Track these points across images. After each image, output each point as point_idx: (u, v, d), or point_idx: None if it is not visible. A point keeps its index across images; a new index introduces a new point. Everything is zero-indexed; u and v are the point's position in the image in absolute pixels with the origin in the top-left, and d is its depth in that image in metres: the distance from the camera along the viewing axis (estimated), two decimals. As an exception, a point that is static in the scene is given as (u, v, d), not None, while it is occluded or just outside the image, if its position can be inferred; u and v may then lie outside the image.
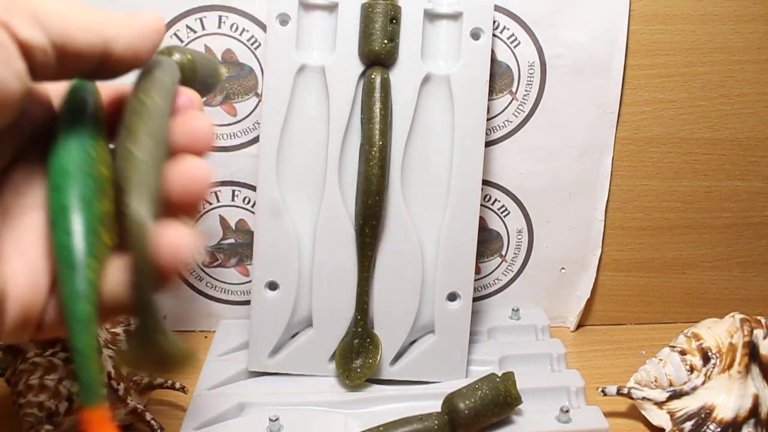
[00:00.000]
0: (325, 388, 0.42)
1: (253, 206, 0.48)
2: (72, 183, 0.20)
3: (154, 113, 0.22)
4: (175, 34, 0.45)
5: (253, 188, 0.47)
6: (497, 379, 0.38)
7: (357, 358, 0.42)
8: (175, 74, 0.25)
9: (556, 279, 0.52)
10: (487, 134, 0.47)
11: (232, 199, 0.48)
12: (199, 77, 0.27)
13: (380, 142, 0.41)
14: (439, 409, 0.38)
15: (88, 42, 0.20)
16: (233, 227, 0.49)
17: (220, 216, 0.49)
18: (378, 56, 0.41)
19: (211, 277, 0.50)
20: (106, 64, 0.21)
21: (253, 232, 0.44)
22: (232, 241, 0.49)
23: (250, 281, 0.50)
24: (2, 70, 0.18)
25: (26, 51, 0.19)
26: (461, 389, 0.38)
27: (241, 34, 0.45)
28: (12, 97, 0.18)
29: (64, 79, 0.22)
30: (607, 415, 0.40)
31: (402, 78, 0.42)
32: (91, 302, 0.20)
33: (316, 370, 0.43)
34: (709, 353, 0.40)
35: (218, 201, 0.48)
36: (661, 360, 0.42)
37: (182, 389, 0.40)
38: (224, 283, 0.50)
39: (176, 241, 0.20)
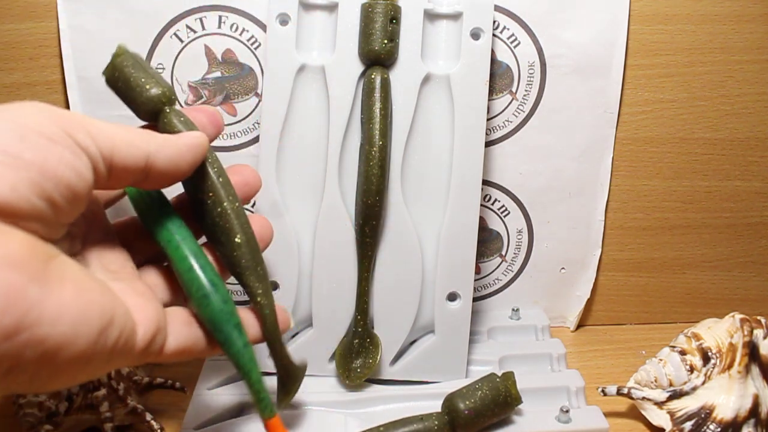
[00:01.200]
0: (325, 388, 0.42)
1: (253, 206, 0.48)
2: (184, 243, 0.29)
3: (240, 212, 0.30)
4: (175, 34, 0.45)
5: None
6: (497, 379, 0.38)
7: (357, 358, 0.42)
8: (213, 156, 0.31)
9: (556, 279, 0.52)
10: (487, 134, 0.47)
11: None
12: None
13: (380, 142, 0.41)
14: (439, 409, 0.38)
15: (132, 156, 0.25)
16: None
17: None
18: (378, 56, 0.41)
19: None
20: (151, 176, 0.26)
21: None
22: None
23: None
24: (75, 176, 0.22)
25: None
26: (461, 389, 0.38)
27: (241, 34, 0.45)
28: (82, 197, 0.23)
29: (116, 188, 0.27)
30: (607, 415, 0.40)
31: (402, 78, 0.42)
32: (239, 328, 0.29)
33: (316, 370, 0.43)
34: (709, 353, 0.40)
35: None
36: (661, 360, 0.42)
37: (182, 389, 0.40)
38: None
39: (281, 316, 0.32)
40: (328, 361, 0.43)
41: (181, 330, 0.28)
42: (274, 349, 0.32)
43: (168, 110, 0.29)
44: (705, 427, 0.38)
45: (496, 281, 0.52)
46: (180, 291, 0.30)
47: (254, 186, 0.33)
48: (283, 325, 0.32)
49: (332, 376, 0.43)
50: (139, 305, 0.25)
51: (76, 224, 0.26)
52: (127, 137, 0.25)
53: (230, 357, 0.29)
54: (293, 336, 0.44)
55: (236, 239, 0.30)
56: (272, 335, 0.31)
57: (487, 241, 0.51)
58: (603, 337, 0.52)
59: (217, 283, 0.28)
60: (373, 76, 0.41)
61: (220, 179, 0.30)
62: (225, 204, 0.30)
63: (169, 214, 0.29)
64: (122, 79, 0.29)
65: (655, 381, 0.41)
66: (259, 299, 0.31)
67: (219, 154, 0.46)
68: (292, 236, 0.43)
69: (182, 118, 0.29)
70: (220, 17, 0.45)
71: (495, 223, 0.50)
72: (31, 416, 0.35)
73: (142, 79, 0.29)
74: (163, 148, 0.26)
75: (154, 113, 0.29)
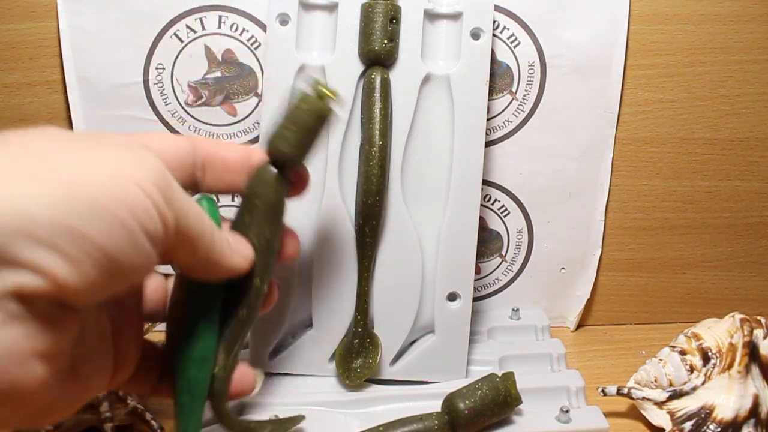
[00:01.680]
0: (325, 388, 0.42)
1: (241, 35, 0.47)
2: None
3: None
4: (175, 34, 0.45)
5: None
6: (497, 379, 0.38)
7: (357, 358, 0.42)
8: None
9: (556, 279, 0.52)
10: (487, 134, 0.47)
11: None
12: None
13: (380, 142, 0.41)
14: (439, 409, 0.38)
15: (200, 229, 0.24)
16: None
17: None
18: (378, 56, 0.41)
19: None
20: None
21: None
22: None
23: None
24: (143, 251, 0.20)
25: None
26: (461, 389, 0.38)
27: (241, 34, 0.45)
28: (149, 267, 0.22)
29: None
30: (607, 415, 0.40)
31: (402, 78, 0.42)
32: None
33: (316, 370, 0.43)
34: (709, 353, 0.40)
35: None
36: (661, 360, 0.42)
37: (182, 389, 0.40)
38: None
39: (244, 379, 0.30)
40: (328, 361, 0.43)
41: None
42: (218, 413, 0.31)
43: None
44: (705, 427, 0.38)
45: (496, 281, 0.52)
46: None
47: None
48: (245, 388, 0.30)
49: (332, 376, 0.43)
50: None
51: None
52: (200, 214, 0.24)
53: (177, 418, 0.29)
54: (293, 336, 0.44)
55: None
56: (217, 400, 0.30)
57: (487, 241, 0.51)
58: (603, 337, 0.52)
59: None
60: (373, 76, 0.41)
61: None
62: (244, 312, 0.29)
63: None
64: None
65: (655, 381, 0.41)
66: (217, 370, 0.29)
67: (219, 154, 0.47)
68: (292, 236, 0.43)
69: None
70: (220, 17, 0.45)
71: (495, 223, 0.50)
72: (31, 416, 0.35)
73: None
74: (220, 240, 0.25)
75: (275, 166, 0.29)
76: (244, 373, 0.30)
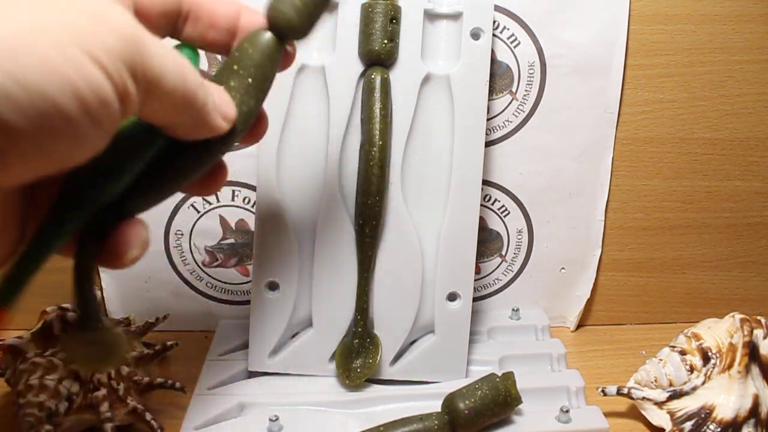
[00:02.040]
0: (325, 388, 0.42)
1: (253, 206, 0.48)
2: None
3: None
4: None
5: (253, 188, 0.48)
6: (497, 379, 0.38)
7: (357, 358, 0.42)
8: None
9: (556, 279, 0.52)
10: (487, 134, 0.47)
11: (232, 199, 0.48)
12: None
13: (380, 142, 0.41)
14: (439, 409, 0.38)
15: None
16: (233, 227, 0.49)
17: (220, 216, 0.49)
18: (378, 56, 0.41)
19: (211, 277, 0.50)
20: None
21: (253, 232, 0.44)
22: (232, 241, 0.49)
23: (250, 281, 0.50)
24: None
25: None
26: (461, 389, 0.38)
27: (241, 34, 0.45)
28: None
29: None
30: (607, 415, 0.40)
31: (402, 78, 0.42)
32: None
33: (316, 370, 0.43)
34: (709, 353, 0.40)
35: (218, 201, 0.48)
36: (661, 360, 0.42)
37: (182, 389, 0.40)
38: (224, 283, 0.50)
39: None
40: (328, 361, 0.43)
41: None
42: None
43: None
44: (705, 427, 0.38)
45: (496, 281, 0.52)
46: None
47: None
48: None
49: (332, 376, 0.43)
50: None
51: None
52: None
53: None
54: (293, 336, 0.44)
55: None
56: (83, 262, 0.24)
57: (487, 241, 0.51)
58: (603, 337, 0.52)
59: None
60: (373, 76, 0.41)
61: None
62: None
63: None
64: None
65: (655, 381, 0.41)
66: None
67: (219, 154, 0.47)
68: (292, 236, 0.43)
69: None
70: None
71: (495, 223, 0.50)
72: (31, 416, 0.35)
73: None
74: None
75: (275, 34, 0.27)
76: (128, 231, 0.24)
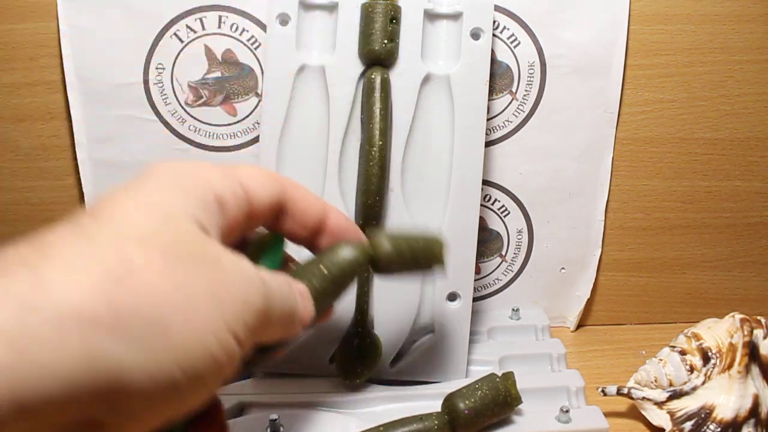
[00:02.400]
0: (325, 388, 0.42)
1: None
2: None
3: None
4: (175, 34, 0.45)
5: None
6: (497, 379, 0.38)
7: (357, 358, 0.42)
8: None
9: (556, 279, 0.52)
10: (487, 134, 0.47)
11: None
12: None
13: (380, 142, 0.41)
14: (439, 409, 0.38)
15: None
16: None
17: None
18: (378, 56, 0.41)
19: None
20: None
21: None
22: None
23: None
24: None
25: None
26: (461, 389, 0.38)
27: (241, 34, 0.45)
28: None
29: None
30: (607, 415, 0.40)
31: (402, 78, 0.42)
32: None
33: (316, 371, 0.43)
34: (709, 353, 0.40)
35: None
36: (661, 360, 0.42)
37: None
38: None
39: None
40: (328, 361, 0.43)
41: None
42: None
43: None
44: (705, 427, 0.38)
45: (496, 281, 0.52)
46: None
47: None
48: None
49: (332, 376, 0.43)
50: None
51: None
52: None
53: None
54: (293, 336, 0.44)
55: None
56: None
57: (487, 241, 0.51)
58: (603, 337, 0.52)
59: None
60: (373, 76, 0.41)
61: None
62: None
63: None
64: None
65: (655, 381, 0.41)
66: None
67: (219, 155, 0.47)
68: (292, 236, 0.43)
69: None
70: (220, 17, 0.45)
71: (495, 223, 0.50)
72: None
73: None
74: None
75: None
76: None
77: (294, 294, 0.25)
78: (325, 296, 0.28)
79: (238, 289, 0.21)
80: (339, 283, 0.29)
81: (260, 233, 0.29)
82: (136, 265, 0.18)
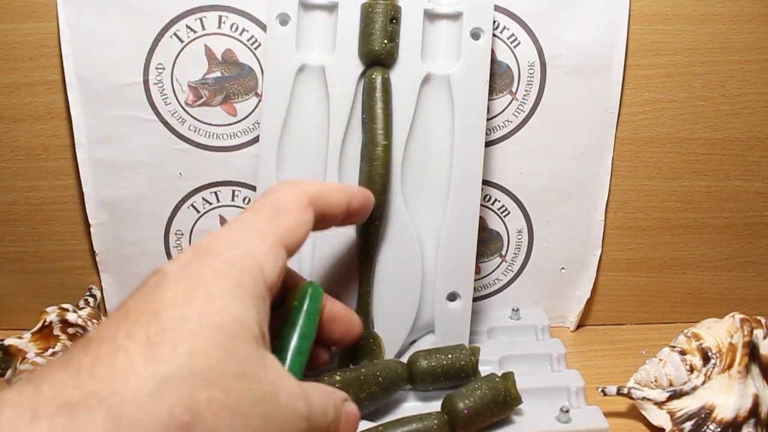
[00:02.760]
0: (325, 388, 0.42)
1: None
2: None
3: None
4: (175, 34, 0.45)
5: (253, 188, 0.48)
6: (497, 379, 0.38)
7: (357, 358, 0.42)
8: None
9: (556, 279, 0.52)
10: (487, 134, 0.47)
11: (232, 199, 0.48)
12: None
13: (384, 142, 0.41)
14: (439, 409, 0.38)
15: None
16: None
17: (220, 216, 0.49)
18: (378, 56, 0.41)
19: None
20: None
21: None
22: None
23: None
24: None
25: None
26: (461, 389, 0.38)
27: (241, 34, 0.45)
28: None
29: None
30: (607, 415, 0.40)
31: (402, 78, 0.42)
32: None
33: (317, 370, 0.43)
34: (709, 353, 0.40)
35: (218, 201, 0.48)
36: (661, 360, 0.42)
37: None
38: None
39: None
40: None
41: None
42: None
43: None
44: (705, 427, 0.38)
45: (496, 281, 0.52)
46: None
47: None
48: None
49: (332, 376, 0.43)
50: None
51: None
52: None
53: None
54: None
55: None
56: None
57: (487, 241, 0.51)
58: (603, 337, 0.52)
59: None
60: (373, 76, 0.41)
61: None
62: None
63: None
64: None
65: (655, 381, 0.41)
66: None
67: (219, 155, 0.47)
68: (292, 236, 0.43)
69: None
70: (220, 17, 0.45)
71: (495, 223, 0.50)
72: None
73: None
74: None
75: None
76: None
77: (334, 410, 0.27)
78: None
79: (286, 423, 0.23)
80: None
81: (296, 290, 0.32)
82: (200, 413, 0.19)
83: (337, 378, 0.36)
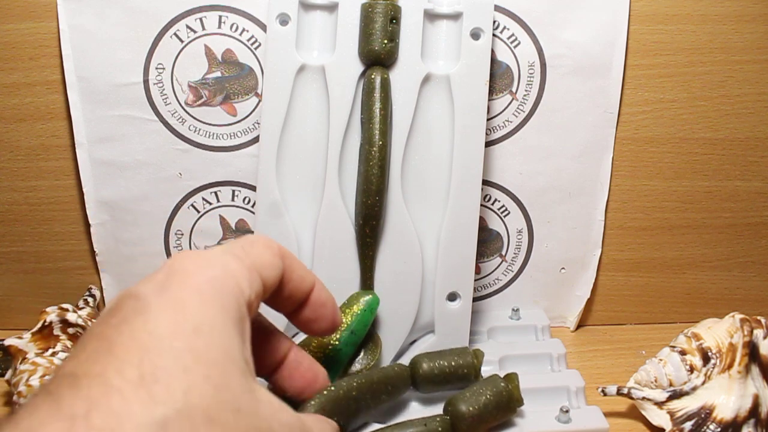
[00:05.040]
0: (325, 388, 0.42)
1: (253, 206, 0.48)
2: None
3: None
4: (175, 34, 0.45)
5: (253, 188, 0.48)
6: (501, 383, 0.38)
7: (357, 358, 0.42)
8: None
9: (556, 279, 0.52)
10: (487, 134, 0.47)
11: (232, 199, 0.48)
12: None
13: (380, 142, 0.41)
14: (441, 411, 0.38)
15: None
16: (233, 227, 0.49)
17: (220, 216, 0.49)
18: (378, 56, 0.41)
19: None
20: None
21: (253, 232, 0.44)
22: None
23: None
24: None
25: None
26: (464, 392, 0.38)
27: (241, 34, 0.45)
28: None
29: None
30: (607, 415, 0.40)
31: (402, 78, 0.42)
32: None
33: (316, 370, 0.43)
34: (709, 353, 0.40)
35: (218, 201, 0.48)
36: (661, 360, 0.42)
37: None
38: None
39: None
40: (328, 361, 0.43)
41: None
42: None
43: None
44: (705, 427, 0.38)
45: (496, 281, 0.52)
46: None
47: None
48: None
49: (332, 376, 0.43)
50: None
51: None
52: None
53: None
54: (293, 336, 0.44)
55: None
56: None
57: (487, 241, 0.51)
58: (603, 337, 0.52)
59: None
60: (373, 76, 0.41)
61: None
62: None
63: None
64: None
65: (655, 381, 0.41)
66: None
67: (219, 155, 0.47)
68: (292, 236, 0.43)
69: None
70: (220, 17, 0.45)
71: (495, 223, 0.50)
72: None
73: None
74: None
75: None
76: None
77: None
78: None
79: None
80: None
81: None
82: None
83: (355, 384, 0.35)
